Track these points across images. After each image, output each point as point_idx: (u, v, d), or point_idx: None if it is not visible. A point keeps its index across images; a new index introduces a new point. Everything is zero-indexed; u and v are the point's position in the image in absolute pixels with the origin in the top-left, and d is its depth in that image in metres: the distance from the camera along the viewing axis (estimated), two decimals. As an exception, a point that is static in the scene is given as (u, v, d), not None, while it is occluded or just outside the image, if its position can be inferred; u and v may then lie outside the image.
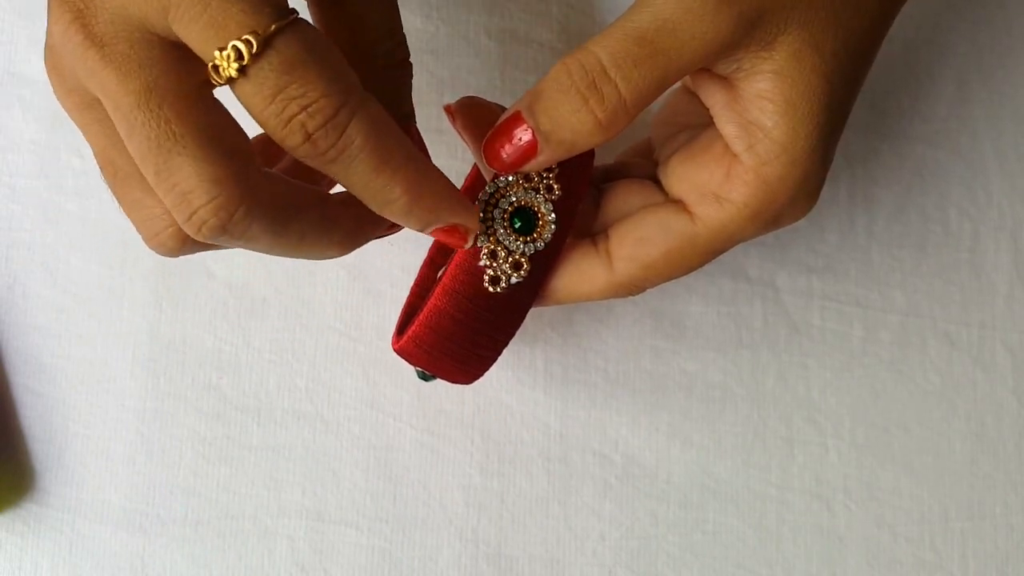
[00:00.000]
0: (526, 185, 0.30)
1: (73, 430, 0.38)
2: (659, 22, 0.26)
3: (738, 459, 0.38)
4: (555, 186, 0.30)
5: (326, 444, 0.38)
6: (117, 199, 0.27)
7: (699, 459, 0.38)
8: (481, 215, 0.30)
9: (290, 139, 0.24)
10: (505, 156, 0.28)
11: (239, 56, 0.23)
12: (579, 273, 0.31)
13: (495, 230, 0.30)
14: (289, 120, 0.24)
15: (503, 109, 0.31)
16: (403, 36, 0.31)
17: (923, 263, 0.39)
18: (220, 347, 0.38)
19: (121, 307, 0.39)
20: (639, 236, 0.30)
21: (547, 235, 0.30)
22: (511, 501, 0.38)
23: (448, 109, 0.31)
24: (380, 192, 0.26)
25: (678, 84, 0.33)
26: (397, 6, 0.31)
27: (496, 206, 0.31)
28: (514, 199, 0.30)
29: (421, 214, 0.27)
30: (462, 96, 0.31)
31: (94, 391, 0.38)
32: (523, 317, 0.32)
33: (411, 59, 0.31)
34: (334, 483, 0.38)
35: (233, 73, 0.23)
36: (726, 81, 0.28)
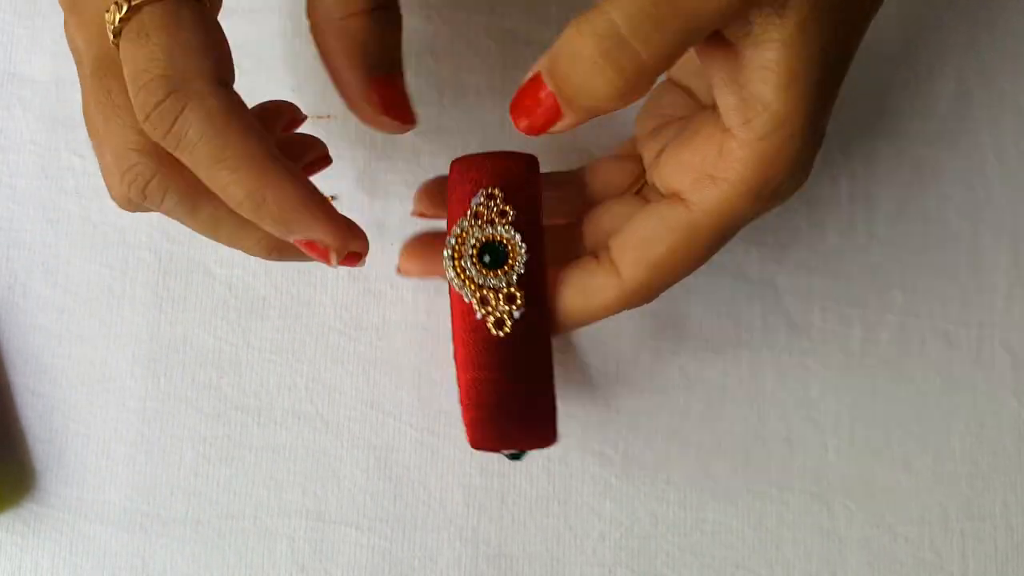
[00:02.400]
0: (479, 223, 0.30)
1: (73, 430, 0.38)
2: None
3: (737, 459, 0.38)
4: (507, 208, 0.30)
5: (326, 444, 0.38)
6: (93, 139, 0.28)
7: (699, 459, 0.38)
8: (453, 270, 0.30)
9: (139, 114, 0.25)
10: (531, 120, 0.27)
11: (114, 17, 0.25)
12: (588, 290, 0.30)
13: (472, 277, 0.30)
14: (137, 92, 0.25)
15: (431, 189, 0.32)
16: None
17: (923, 263, 0.39)
18: (220, 347, 0.38)
19: (121, 307, 0.39)
20: (640, 237, 0.29)
21: (523, 256, 0.30)
22: (511, 501, 0.38)
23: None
24: (224, 190, 0.26)
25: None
26: None
27: (463, 256, 0.30)
28: (474, 240, 0.30)
29: (270, 221, 0.26)
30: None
31: (94, 391, 0.38)
32: (549, 348, 0.31)
33: (403, 15, 0.31)
34: (334, 483, 0.38)
35: (111, 34, 0.25)
36: (731, 50, 0.27)
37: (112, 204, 0.30)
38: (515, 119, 0.28)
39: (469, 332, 0.30)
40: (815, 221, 0.39)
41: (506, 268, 0.30)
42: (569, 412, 0.38)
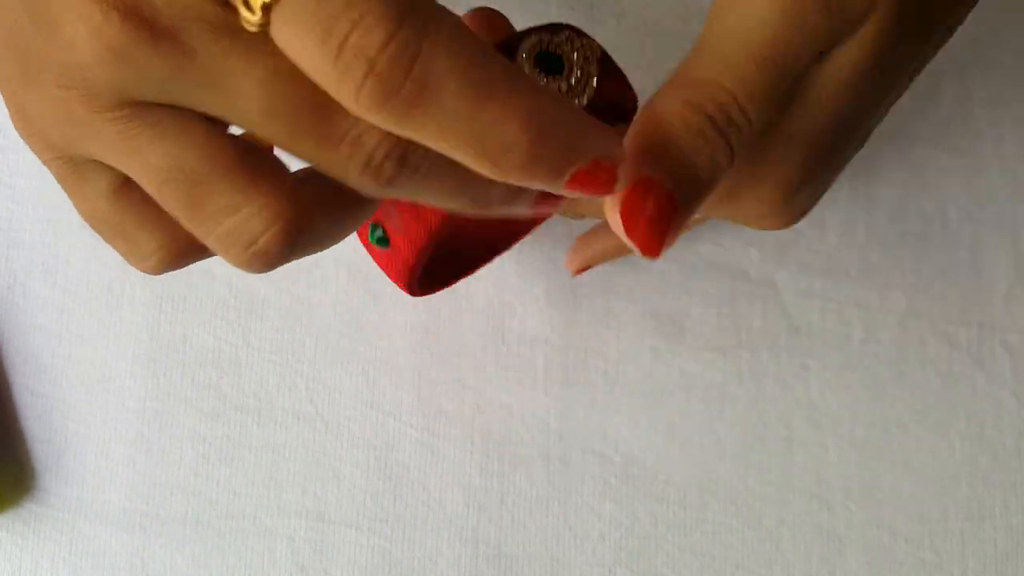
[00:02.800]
0: (550, 35, 0.27)
1: (73, 430, 0.38)
2: (769, 36, 0.23)
3: (738, 459, 0.38)
4: (583, 42, 0.27)
5: (326, 444, 0.38)
6: (192, 219, 0.21)
7: (699, 459, 0.38)
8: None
9: (347, 81, 0.17)
10: (644, 229, 0.23)
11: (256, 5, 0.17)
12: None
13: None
14: (341, 48, 0.17)
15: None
16: None
17: (923, 263, 0.39)
18: (220, 347, 0.38)
19: (121, 307, 0.39)
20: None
21: (577, 74, 0.26)
22: (511, 501, 0.38)
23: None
24: (490, 135, 0.18)
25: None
26: None
27: (515, 55, 0.26)
28: (537, 40, 0.27)
29: (553, 156, 0.19)
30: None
31: (94, 391, 0.38)
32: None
33: None
34: (334, 483, 0.38)
35: (259, 20, 0.17)
36: None
37: None
38: (629, 232, 0.23)
39: None
40: (815, 221, 0.39)
41: (557, 79, 0.26)
42: (570, 413, 0.38)
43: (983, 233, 0.39)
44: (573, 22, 0.39)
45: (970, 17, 0.41)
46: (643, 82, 0.40)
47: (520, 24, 0.40)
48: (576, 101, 0.26)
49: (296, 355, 0.38)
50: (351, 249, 0.39)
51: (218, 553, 0.38)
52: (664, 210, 0.23)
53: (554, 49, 0.27)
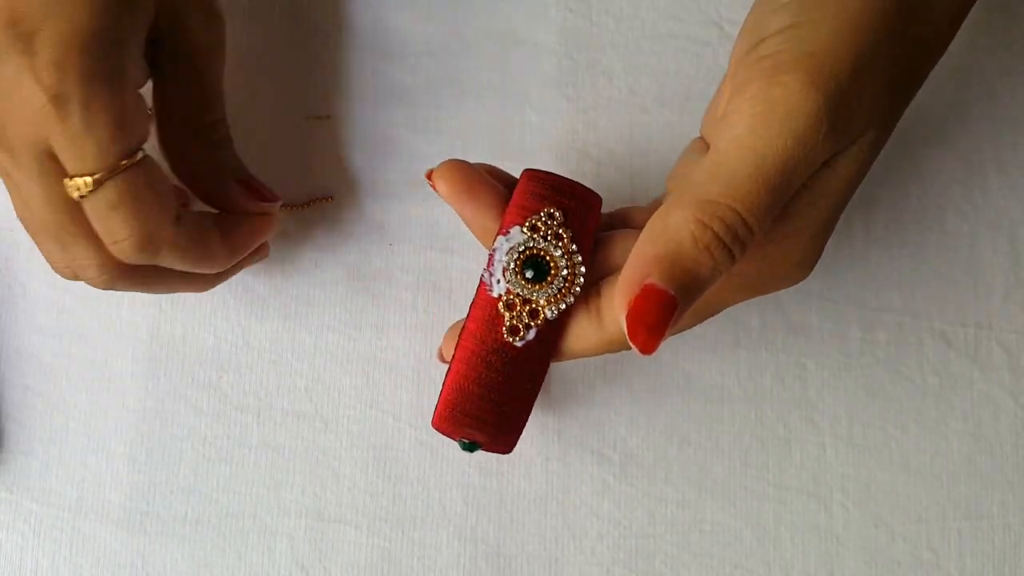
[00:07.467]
0: (534, 235, 0.31)
1: (73, 429, 0.38)
2: (781, 162, 0.27)
3: (736, 458, 0.38)
4: (563, 232, 0.31)
5: (326, 444, 0.38)
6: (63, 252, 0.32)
7: (697, 458, 0.38)
8: (492, 267, 0.31)
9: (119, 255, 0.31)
10: (644, 335, 0.27)
11: (79, 188, 0.29)
12: (572, 331, 0.31)
13: (510, 279, 0.31)
14: (115, 243, 0.30)
15: (490, 170, 0.32)
16: (223, 115, 0.35)
17: (920, 263, 0.39)
18: (220, 346, 0.38)
19: (121, 307, 0.39)
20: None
21: (559, 282, 0.31)
22: (510, 500, 0.38)
23: (429, 175, 0.32)
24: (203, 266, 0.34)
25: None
26: (220, 90, 0.35)
27: (510, 260, 0.31)
28: (524, 248, 0.31)
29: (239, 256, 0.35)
30: (443, 161, 0.32)
31: (94, 391, 0.38)
32: (546, 370, 0.32)
33: (231, 134, 0.36)
34: (334, 482, 0.38)
35: (76, 197, 0.30)
36: None
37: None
38: (633, 336, 0.27)
39: (484, 324, 0.31)
40: (813, 221, 0.39)
41: (542, 285, 0.31)
42: (568, 412, 0.39)
43: (980, 234, 0.40)
44: (572, 22, 0.40)
45: (969, 19, 0.41)
46: (643, 84, 0.40)
47: (521, 23, 0.40)
48: (563, 305, 0.31)
49: (296, 355, 0.39)
50: (351, 249, 0.39)
51: (218, 552, 0.38)
52: (665, 316, 0.27)
53: (540, 253, 0.31)
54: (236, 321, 0.39)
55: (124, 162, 0.29)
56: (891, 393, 0.39)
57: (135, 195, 0.30)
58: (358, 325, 0.39)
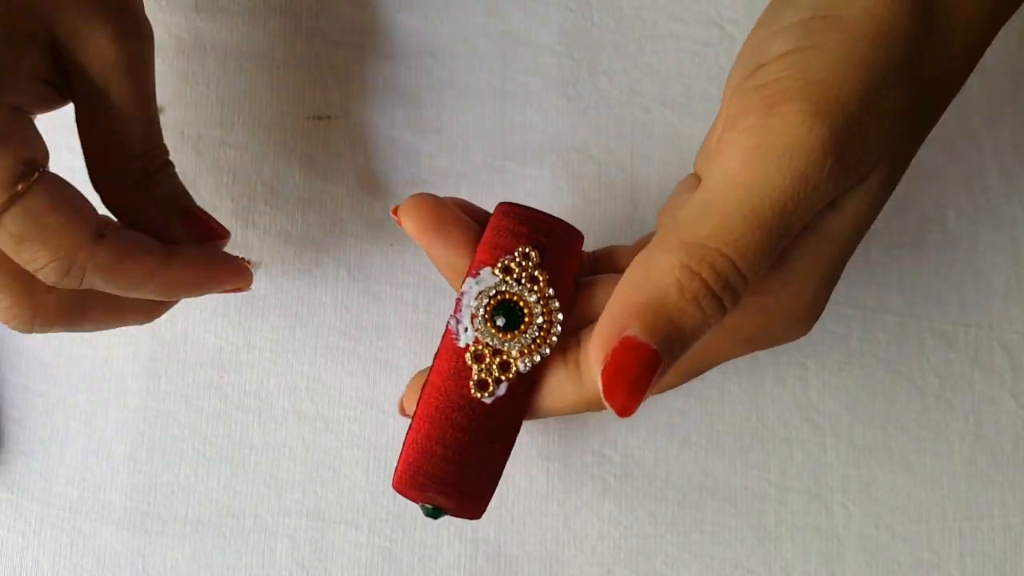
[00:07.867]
0: (506, 278, 0.28)
1: (74, 429, 0.38)
2: (779, 202, 0.24)
3: (736, 459, 0.38)
4: (539, 275, 0.28)
5: (326, 443, 0.38)
6: None
7: (698, 459, 0.38)
8: (460, 313, 0.28)
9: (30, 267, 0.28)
10: (623, 394, 0.25)
11: None
12: (548, 386, 0.28)
13: (478, 327, 0.27)
14: (38, 271, 0.28)
15: (461, 204, 0.29)
16: (160, 140, 0.32)
17: (921, 263, 0.39)
18: (221, 346, 0.38)
19: (122, 307, 0.39)
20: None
21: (534, 332, 0.27)
22: (511, 500, 0.38)
23: (395, 211, 0.29)
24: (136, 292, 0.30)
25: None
26: (155, 113, 0.31)
27: (478, 305, 0.28)
28: (495, 292, 0.27)
29: (174, 293, 0.31)
30: (411, 195, 0.29)
31: (94, 390, 0.38)
32: (517, 431, 0.28)
33: (172, 157, 0.32)
34: (334, 482, 0.38)
35: None
36: None
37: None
38: (609, 396, 0.25)
39: (450, 377, 0.27)
40: (814, 222, 0.39)
41: (515, 334, 0.27)
42: (568, 412, 0.39)
43: (981, 234, 0.40)
44: (573, 21, 0.40)
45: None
46: (644, 84, 0.40)
47: (521, 23, 0.40)
48: (538, 357, 0.27)
49: (296, 355, 0.39)
50: (351, 249, 0.39)
51: (218, 552, 0.38)
52: (646, 374, 0.24)
53: (512, 298, 0.27)
54: (237, 321, 0.39)
55: (20, 187, 0.27)
56: (892, 393, 0.39)
57: (37, 222, 0.27)
58: (359, 325, 0.39)
